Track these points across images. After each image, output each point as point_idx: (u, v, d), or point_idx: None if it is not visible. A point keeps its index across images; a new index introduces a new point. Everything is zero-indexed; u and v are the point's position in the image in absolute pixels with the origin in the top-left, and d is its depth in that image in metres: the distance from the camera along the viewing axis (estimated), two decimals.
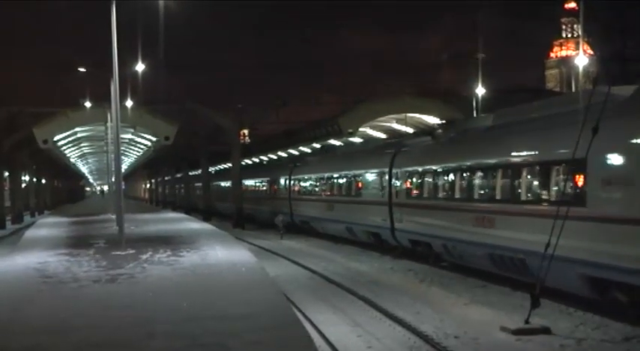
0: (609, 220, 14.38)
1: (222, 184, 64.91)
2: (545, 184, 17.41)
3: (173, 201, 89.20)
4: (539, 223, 16.50)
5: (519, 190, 18.50)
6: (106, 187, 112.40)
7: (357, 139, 44.73)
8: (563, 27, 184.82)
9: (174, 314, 13.35)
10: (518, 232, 18.10)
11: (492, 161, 20.13)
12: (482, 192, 20.70)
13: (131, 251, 24.07)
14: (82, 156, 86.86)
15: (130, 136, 61.53)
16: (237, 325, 12.24)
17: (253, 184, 54.25)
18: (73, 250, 25.53)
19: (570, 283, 16.07)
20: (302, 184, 41.59)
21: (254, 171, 58.02)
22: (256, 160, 65.79)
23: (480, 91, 51.57)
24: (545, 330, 14.20)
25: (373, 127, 47.23)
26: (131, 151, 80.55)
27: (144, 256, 22.64)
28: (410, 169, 26.42)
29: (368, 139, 43.06)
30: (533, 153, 18.28)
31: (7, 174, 62.33)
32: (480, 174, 20.87)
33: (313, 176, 39.89)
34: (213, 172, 73.39)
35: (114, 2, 26.40)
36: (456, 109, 44.63)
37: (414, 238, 25.88)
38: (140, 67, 42.42)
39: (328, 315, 16.66)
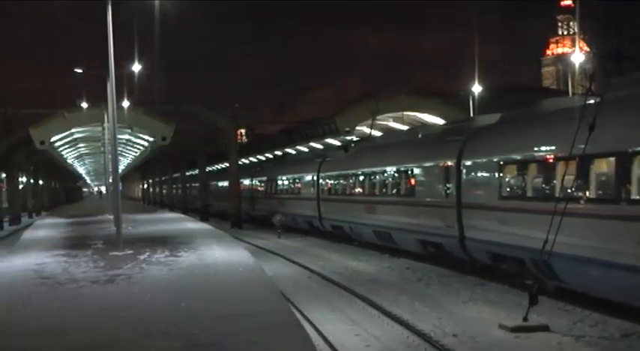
0: (424, 205, 24.05)
1: (219, 184, 65.06)
2: (398, 184, 26.94)
3: (171, 201, 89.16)
4: (396, 209, 26.67)
5: (386, 188, 28.10)
6: (103, 188, 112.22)
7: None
8: (559, 24, 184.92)
9: (172, 314, 13.35)
10: (386, 216, 27.67)
11: (373, 169, 29.75)
12: (368, 190, 30.02)
13: (129, 252, 24.08)
14: (79, 157, 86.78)
15: (126, 136, 61.47)
16: (235, 325, 12.24)
17: (225, 184, 58.84)
18: (70, 251, 25.53)
19: (412, 246, 25.65)
20: (262, 184, 50.62)
21: (223, 173, 61.71)
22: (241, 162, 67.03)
23: (477, 89, 51.51)
24: (543, 327, 14.20)
25: (370, 126, 47.15)
26: (128, 152, 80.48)
27: (142, 257, 22.64)
28: (329, 173, 35.90)
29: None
30: (393, 163, 27.50)
31: (4, 175, 62.28)
32: (368, 177, 30.26)
33: (265, 179, 49.79)
34: (210, 172, 73.34)
35: (109, 2, 26.34)
36: (455, 108, 44.52)
37: (334, 223, 34.98)
38: (137, 67, 42.38)
39: (326, 314, 16.66)
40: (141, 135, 59.01)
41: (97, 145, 63.96)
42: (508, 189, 18.93)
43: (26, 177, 76.23)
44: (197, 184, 69.83)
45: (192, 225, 40.42)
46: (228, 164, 55.88)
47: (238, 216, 50.64)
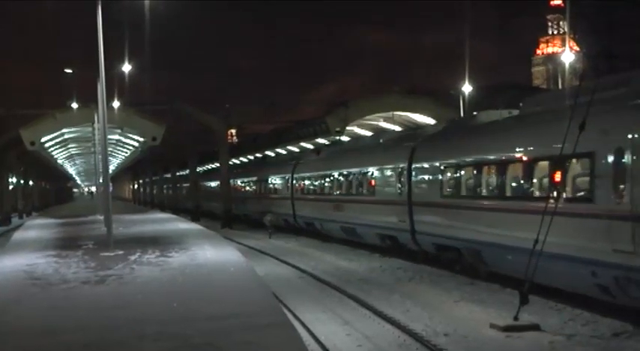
0: (382, 203, 26.81)
1: (209, 184, 65.09)
2: (361, 185, 29.78)
3: (162, 202, 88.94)
4: (359, 207, 29.47)
5: (351, 188, 30.98)
6: (93, 189, 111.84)
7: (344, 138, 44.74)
8: (549, 24, 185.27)
9: (164, 315, 13.34)
10: (351, 213, 30.43)
11: (340, 171, 32.64)
12: (336, 190, 32.91)
13: (120, 252, 24.04)
14: (70, 157, 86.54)
15: (117, 136, 61.34)
16: (227, 325, 12.25)
17: (214, 184, 61.32)
18: (61, 251, 25.47)
19: (373, 239, 28.46)
20: (243, 185, 54.18)
21: (212, 174, 64.68)
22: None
23: (467, 88, 51.65)
24: (534, 326, 14.22)
25: (361, 126, 47.29)
26: (119, 152, 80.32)
27: (133, 257, 22.61)
28: (302, 175, 38.64)
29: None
30: (357, 166, 30.44)
31: None
32: (334, 178, 33.22)
33: (246, 180, 53.46)
34: (200, 172, 73.25)
35: (99, 2, 26.28)
36: (446, 107, 44.58)
37: (306, 220, 37.91)
38: (127, 67, 42.31)
39: (318, 314, 16.65)
40: (131, 135, 58.89)
41: (88, 145, 63.79)
42: (447, 188, 21.91)
43: (16, 177, 75.99)
44: (188, 185, 69.75)
45: (183, 225, 40.37)
46: (218, 164, 55.88)
47: (229, 216, 50.59)
